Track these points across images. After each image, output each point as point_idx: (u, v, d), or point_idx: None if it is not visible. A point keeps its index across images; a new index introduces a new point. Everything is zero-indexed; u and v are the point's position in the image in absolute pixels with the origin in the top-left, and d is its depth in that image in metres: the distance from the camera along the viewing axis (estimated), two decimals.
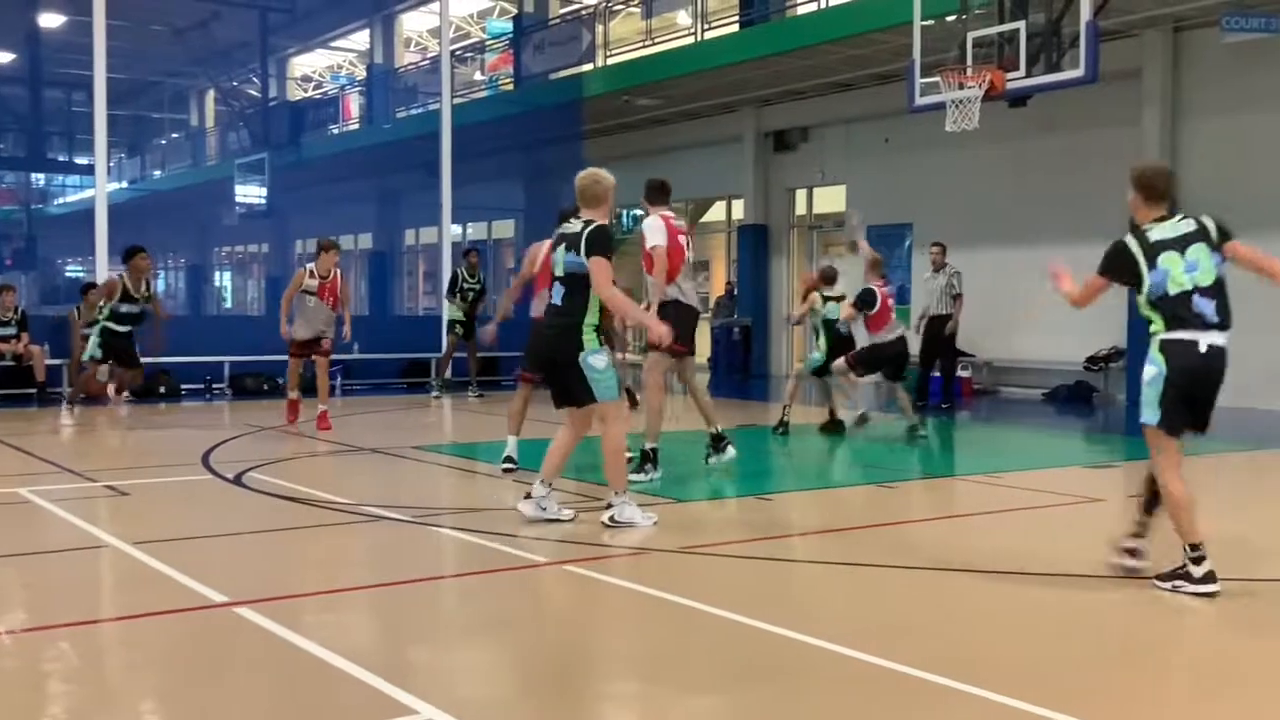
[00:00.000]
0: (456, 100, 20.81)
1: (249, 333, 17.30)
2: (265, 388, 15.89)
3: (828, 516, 7.90)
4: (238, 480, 8.56)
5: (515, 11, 26.24)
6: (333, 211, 29.34)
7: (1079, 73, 11.71)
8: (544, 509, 6.88)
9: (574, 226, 6.81)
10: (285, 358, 12.14)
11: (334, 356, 12.46)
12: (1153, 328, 5.47)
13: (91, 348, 12.65)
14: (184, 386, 15.71)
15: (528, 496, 6.96)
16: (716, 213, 23.54)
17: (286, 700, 4.09)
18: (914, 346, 15.14)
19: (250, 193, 28.75)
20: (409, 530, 6.90)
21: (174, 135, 41.57)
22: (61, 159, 35.56)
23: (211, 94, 37.52)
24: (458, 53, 25.98)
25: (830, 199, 20.68)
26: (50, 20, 28.44)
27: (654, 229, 8.53)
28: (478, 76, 28.03)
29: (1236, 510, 7.08)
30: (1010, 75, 12.13)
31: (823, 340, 11.79)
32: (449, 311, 16.10)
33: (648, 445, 8.47)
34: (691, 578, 5.82)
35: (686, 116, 21.70)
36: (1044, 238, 16.26)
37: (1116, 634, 5.00)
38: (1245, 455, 9.87)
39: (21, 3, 27.17)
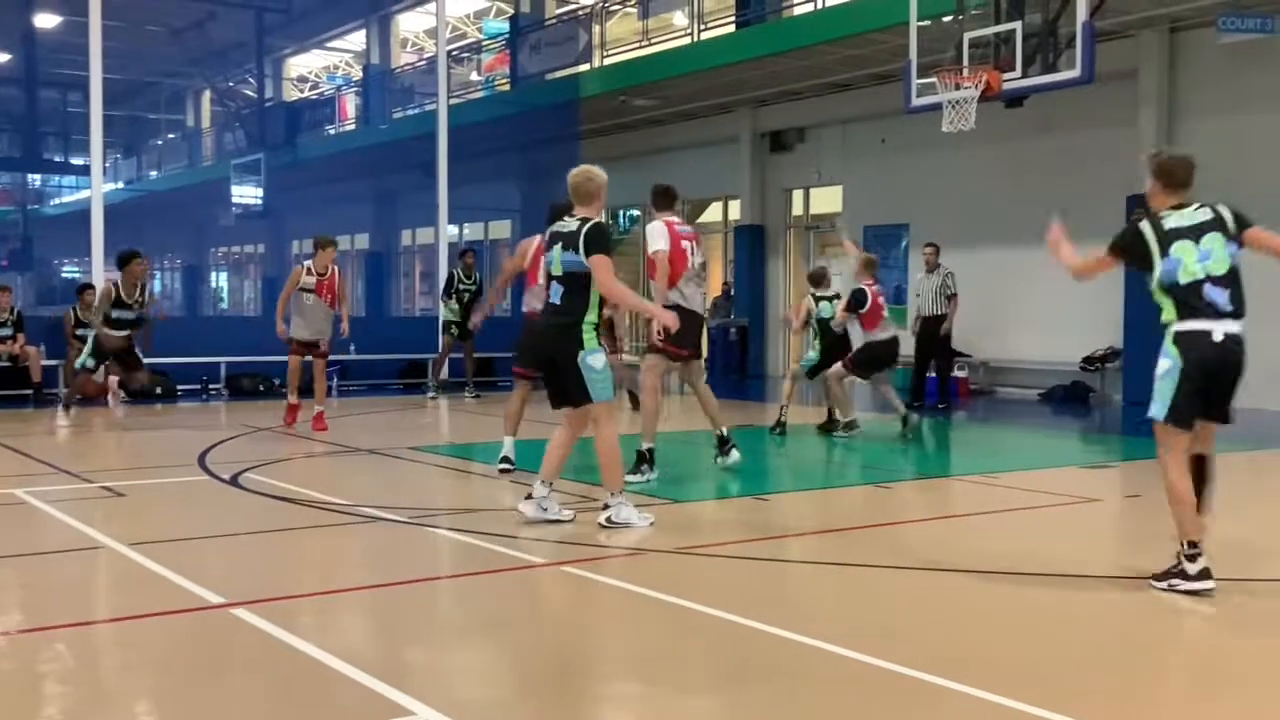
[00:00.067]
0: (453, 101, 20.82)
1: (245, 333, 17.29)
2: (262, 388, 15.89)
3: (824, 517, 7.91)
4: (234, 481, 8.56)
5: (512, 12, 26.24)
6: (329, 212, 29.27)
7: (1075, 73, 11.71)
8: (545, 509, 6.88)
9: (569, 225, 6.80)
10: (281, 358, 12.13)
11: (331, 357, 12.44)
12: (1164, 316, 5.43)
13: (84, 356, 12.50)
14: (180, 387, 15.70)
15: (528, 497, 6.95)
16: (713, 213, 23.54)
17: (283, 701, 4.09)
18: (909, 347, 15.22)
19: (246, 193, 28.71)
20: (406, 531, 6.90)
21: (170, 136, 41.50)
22: (57, 159, 35.48)
23: (207, 94, 37.47)
24: (454, 53, 25.96)
25: (827, 199, 20.68)
26: (46, 20, 28.39)
27: (657, 234, 8.56)
28: (474, 77, 27.99)
29: (1236, 510, 7.08)
30: (1006, 76, 12.14)
31: (817, 340, 11.88)
32: (444, 312, 16.12)
33: (644, 446, 8.48)
34: (688, 578, 5.82)
35: (683, 117, 21.70)
36: (1040, 238, 16.23)
37: (1113, 634, 5.01)
38: (1245, 455, 9.87)
39: (17, 3, 27.11)
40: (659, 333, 8.32)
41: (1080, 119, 15.57)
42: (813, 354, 11.91)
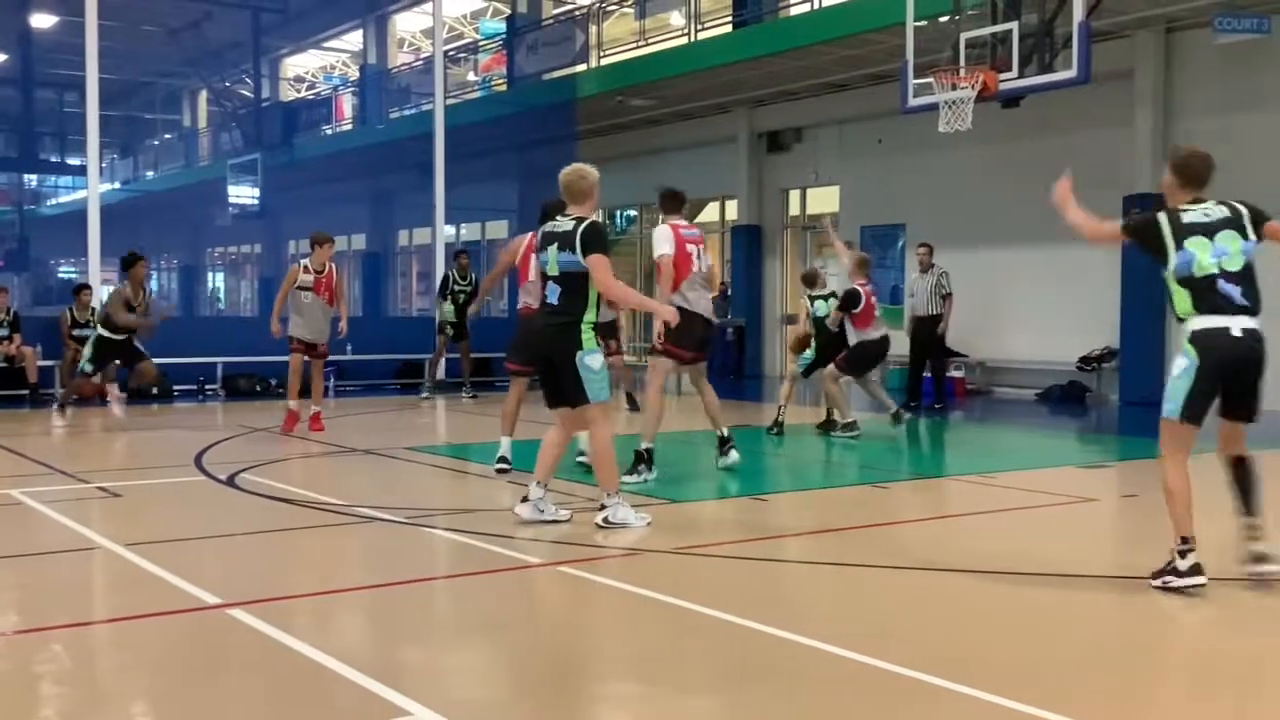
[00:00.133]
0: (450, 101, 20.83)
1: (242, 333, 17.26)
2: (258, 389, 15.87)
3: (821, 517, 7.91)
4: (231, 481, 8.55)
5: (508, 12, 26.22)
6: (326, 212, 29.24)
7: (1071, 73, 11.73)
8: (541, 511, 6.88)
9: (564, 224, 6.78)
10: (278, 358, 12.01)
11: (329, 357, 12.38)
12: (1180, 310, 5.40)
13: (84, 360, 12.42)
14: (177, 387, 15.67)
15: (525, 500, 6.95)
16: (710, 213, 23.53)
17: (280, 702, 4.08)
18: (904, 347, 15.22)
19: (243, 193, 28.70)
20: (403, 531, 6.90)
21: (166, 136, 41.45)
22: (54, 160, 35.50)
23: (204, 94, 37.42)
24: (451, 53, 25.94)
25: (824, 200, 20.69)
26: (42, 21, 28.38)
27: (662, 238, 8.59)
28: (471, 77, 27.97)
29: (1235, 511, 7.07)
30: (1003, 76, 12.16)
31: (813, 340, 11.91)
32: (440, 313, 16.11)
33: (643, 446, 8.48)
34: (685, 578, 5.82)
35: (680, 117, 21.70)
36: (1037, 238, 16.30)
37: (1110, 634, 5.01)
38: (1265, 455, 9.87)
39: (13, 3, 27.10)
40: (660, 333, 8.33)
41: (1076, 119, 15.58)
42: (809, 353, 11.96)
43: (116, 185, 37.24)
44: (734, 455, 8.96)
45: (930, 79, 12.71)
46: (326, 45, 35.40)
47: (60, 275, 41.89)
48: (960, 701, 3.98)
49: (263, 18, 29.80)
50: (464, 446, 11.21)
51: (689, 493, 8.33)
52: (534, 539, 6.56)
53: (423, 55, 29.79)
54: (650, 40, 21.04)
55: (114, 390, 12.89)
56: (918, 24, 13.11)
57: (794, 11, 18.85)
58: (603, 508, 6.81)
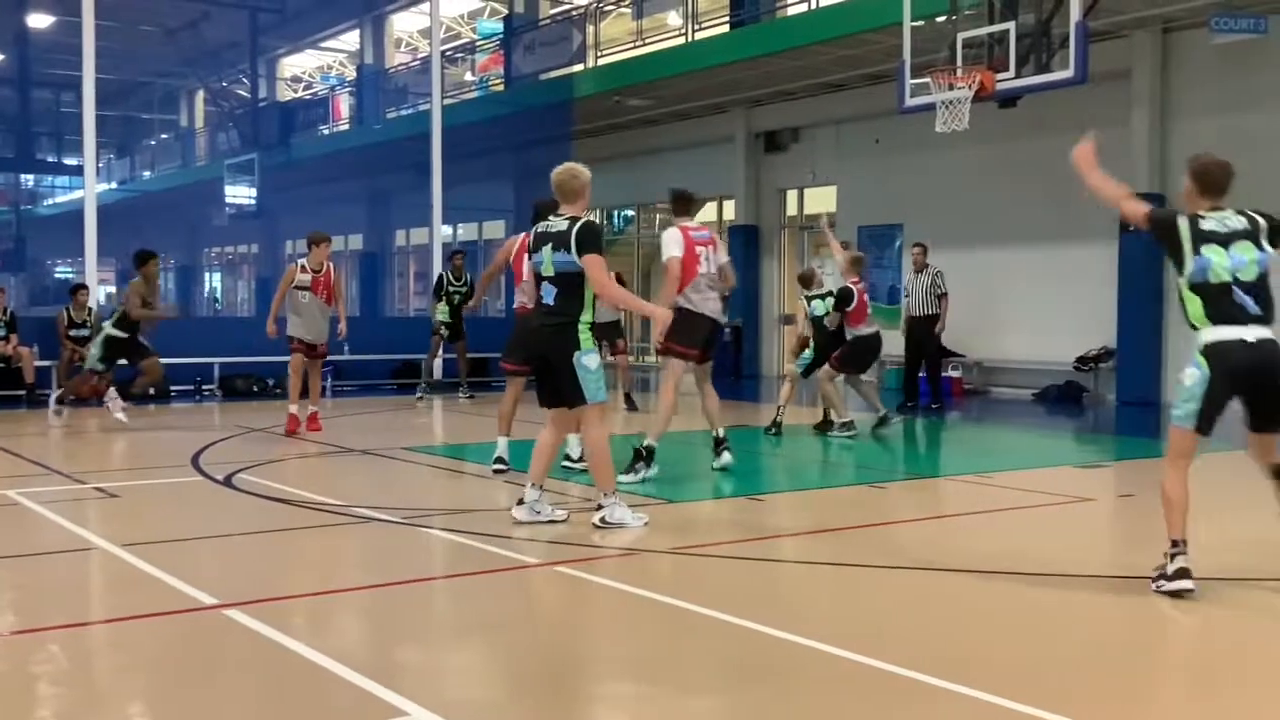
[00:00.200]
0: (447, 101, 20.81)
1: (239, 334, 17.25)
2: (255, 389, 15.85)
3: (819, 517, 7.90)
4: (228, 482, 8.54)
5: (506, 12, 26.22)
6: (323, 212, 29.20)
7: (1068, 73, 11.75)
8: (537, 512, 6.87)
9: (559, 224, 6.76)
10: (276, 359, 11.94)
11: (327, 357, 12.34)
12: (1192, 316, 5.36)
13: (92, 360, 12.30)
14: (174, 388, 15.64)
15: (520, 503, 6.94)
16: (707, 213, 23.49)
17: (276, 702, 4.08)
18: (900, 346, 15.23)
19: (240, 193, 28.70)
20: (400, 531, 6.89)
21: (163, 136, 41.43)
22: (50, 160, 35.52)
23: (201, 94, 37.42)
24: (448, 53, 25.93)
25: (821, 200, 20.69)
26: (39, 20, 28.38)
27: (672, 241, 8.62)
28: (468, 77, 27.98)
29: (1236, 511, 7.08)
30: (1000, 76, 12.17)
31: (811, 339, 11.93)
32: (435, 314, 16.10)
33: (646, 443, 8.47)
34: (682, 578, 5.82)
35: (677, 117, 21.70)
36: (1034, 238, 16.32)
37: (1109, 634, 5.01)
38: (1244, 455, 9.88)
39: (10, 3, 27.10)
40: (660, 334, 8.32)
41: (1073, 119, 15.44)
42: (807, 353, 11.98)
43: (113, 185, 37.21)
44: (727, 457, 8.97)
45: (927, 79, 12.72)
46: (324, 45, 35.39)
47: (57, 275, 41.90)
48: (958, 701, 3.98)
49: (260, 18, 29.80)
50: (461, 446, 11.20)
51: (686, 493, 8.32)
52: (531, 539, 6.55)
53: (420, 55, 29.79)
54: (647, 40, 21.04)
55: (114, 395, 12.63)
56: (915, 24, 13.12)
57: (791, 11, 18.85)
58: (600, 508, 6.81)
